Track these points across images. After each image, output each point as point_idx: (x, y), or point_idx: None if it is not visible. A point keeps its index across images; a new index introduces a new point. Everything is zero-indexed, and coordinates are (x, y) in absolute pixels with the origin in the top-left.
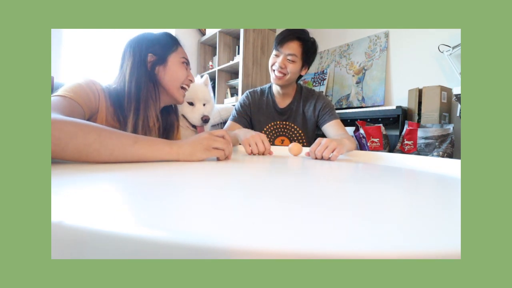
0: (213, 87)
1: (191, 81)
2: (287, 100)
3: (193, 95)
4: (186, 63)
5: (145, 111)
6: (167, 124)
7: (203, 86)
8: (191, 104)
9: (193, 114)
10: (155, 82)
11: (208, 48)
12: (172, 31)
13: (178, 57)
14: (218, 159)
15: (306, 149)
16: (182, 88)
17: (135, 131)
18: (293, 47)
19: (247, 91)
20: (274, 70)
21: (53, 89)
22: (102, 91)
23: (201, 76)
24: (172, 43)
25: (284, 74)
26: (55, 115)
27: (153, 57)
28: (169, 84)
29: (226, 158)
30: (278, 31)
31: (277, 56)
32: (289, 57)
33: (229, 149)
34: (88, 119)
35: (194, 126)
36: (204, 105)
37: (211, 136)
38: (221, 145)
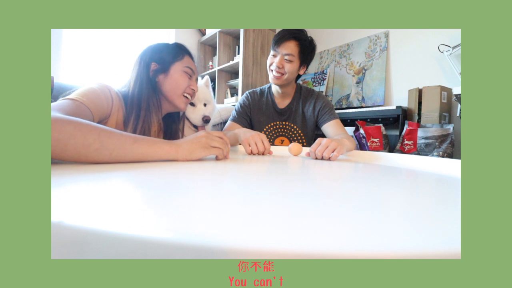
0: (213, 87)
1: (194, 90)
2: (287, 100)
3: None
4: (191, 72)
5: (145, 117)
6: (171, 131)
7: (204, 87)
8: (192, 104)
9: (194, 115)
10: (156, 89)
11: (208, 48)
12: (172, 31)
13: (182, 66)
14: (216, 158)
15: (306, 149)
16: (185, 96)
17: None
18: (290, 47)
19: (247, 92)
20: (272, 70)
21: (53, 89)
22: (117, 95)
23: (202, 77)
24: (178, 53)
25: (282, 74)
26: (55, 115)
27: (156, 66)
28: (170, 92)
29: (225, 157)
30: (278, 31)
31: (274, 56)
32: (286, 57)
33: (226, 149)
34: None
35: (195, 126)
36: (205, 105)
37: (209, 135)
38: (219, 144)
